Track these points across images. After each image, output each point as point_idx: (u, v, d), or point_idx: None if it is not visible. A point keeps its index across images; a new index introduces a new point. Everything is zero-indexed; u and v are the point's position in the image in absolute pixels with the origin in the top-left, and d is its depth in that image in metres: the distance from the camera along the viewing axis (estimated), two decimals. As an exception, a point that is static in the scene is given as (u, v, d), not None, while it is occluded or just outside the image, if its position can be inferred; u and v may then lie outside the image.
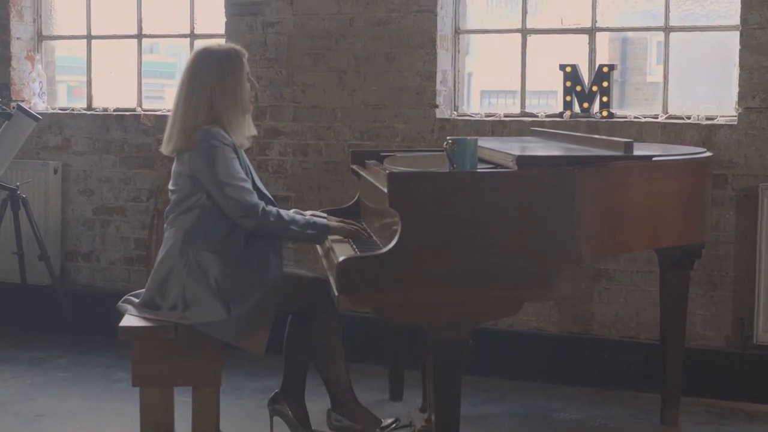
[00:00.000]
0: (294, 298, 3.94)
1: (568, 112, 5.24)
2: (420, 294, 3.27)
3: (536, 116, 5.34)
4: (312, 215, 4.00)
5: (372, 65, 5.51)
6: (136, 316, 3.85)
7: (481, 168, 3.50)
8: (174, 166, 3.98)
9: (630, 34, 5.56)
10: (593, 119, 5.18)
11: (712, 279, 4.96)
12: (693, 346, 4.89)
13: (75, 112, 6.32)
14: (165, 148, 3.98)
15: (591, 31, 5.32)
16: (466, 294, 3.27)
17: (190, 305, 3.76)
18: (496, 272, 3.27)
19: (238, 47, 4.03)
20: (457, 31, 5.56)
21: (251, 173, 3.97)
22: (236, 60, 3.96)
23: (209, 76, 3.90)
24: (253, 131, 4.09)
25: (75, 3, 6.42)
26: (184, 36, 6.16)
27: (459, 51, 5.57)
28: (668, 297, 4.48)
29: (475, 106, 5.75)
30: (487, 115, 5.44)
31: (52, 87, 6.64)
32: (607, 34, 5.47)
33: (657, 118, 5.13)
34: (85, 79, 6.42)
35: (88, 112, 6.28)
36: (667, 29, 5.18)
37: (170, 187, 3.99)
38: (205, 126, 3.85)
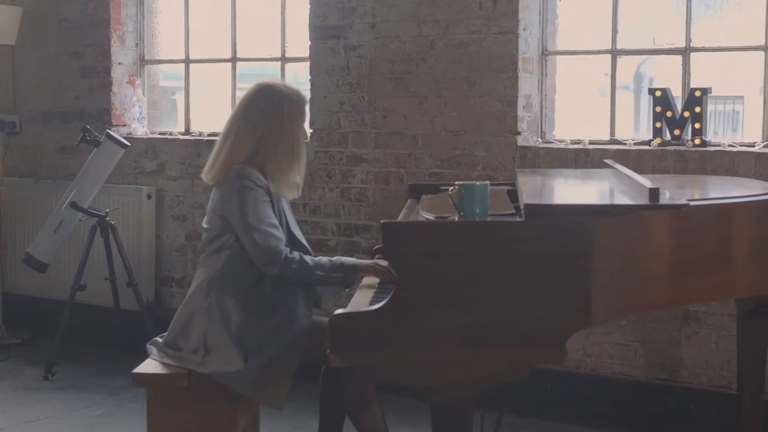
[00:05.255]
0: (322, 349, 3.71)
1: (657, 140, 4.83)
2: (415, 354, 3.00)
3: (623, 143, 4.95)
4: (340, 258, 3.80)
5: (452, 90, 5.23)
6: (156, 360, 3.76)
7: (497, 214, 3.21)
8: (209, 203, 3.85)
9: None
10: (682, 148, 4.75)
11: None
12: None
13: (169, 137, 6.31)
14: (206, 176, 3.84)
15: (685, 52, 4.88)
16: (464, 355, 2.98)
17: (210, 351, 3.63)
18: (499, 332, 2.96)
19: (302, 92, 3.85)
20: (545, 53, 5.22)
21: (286, 218, 3.79)
22: (300, 106, 3.79)
23: (268, 114, 3.73)
24: (299, 180, 3.87)
25: (175, 27, 6.42)
26: (276, 59, 6.06)
27: (546, 74, 5.23)
28: (745, 346, 4.06)
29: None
30: (573, 142, 5.08)
31: (155, 111, 6.67)
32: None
33: (753, 146, 4.66)
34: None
35: (182, 137, 6.27)
36: (768, 48, 4.71)
37: (203, 224, 3.87)
38: (240, 165, 3.70)
